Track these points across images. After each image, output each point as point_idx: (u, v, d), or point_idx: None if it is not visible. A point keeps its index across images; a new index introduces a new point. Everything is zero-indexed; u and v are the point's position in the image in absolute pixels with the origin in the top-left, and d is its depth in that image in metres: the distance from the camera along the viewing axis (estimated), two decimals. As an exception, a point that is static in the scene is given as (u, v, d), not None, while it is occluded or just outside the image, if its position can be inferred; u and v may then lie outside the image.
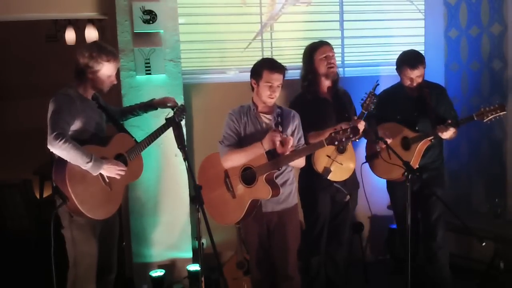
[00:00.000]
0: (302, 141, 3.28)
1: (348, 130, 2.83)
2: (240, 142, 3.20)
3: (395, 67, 3.68)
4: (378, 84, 3.30)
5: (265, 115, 3.21)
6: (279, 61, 4.41)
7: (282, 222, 3.24)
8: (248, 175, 3.13)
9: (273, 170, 3.08)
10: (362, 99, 3.29)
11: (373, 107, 3.28)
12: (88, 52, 2.95)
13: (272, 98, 3.14)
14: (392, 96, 3.67)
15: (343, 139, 2.85)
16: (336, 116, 3.51)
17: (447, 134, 3.42)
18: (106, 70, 2.97)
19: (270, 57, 4.35)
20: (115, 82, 3.09)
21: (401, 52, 3.68)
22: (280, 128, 3.16)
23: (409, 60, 3.54)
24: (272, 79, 3.09)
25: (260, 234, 3.27)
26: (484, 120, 3.36)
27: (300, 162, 3.20)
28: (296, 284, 3.31)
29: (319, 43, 3.61)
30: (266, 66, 3.13)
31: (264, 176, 3.07)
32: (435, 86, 3.71)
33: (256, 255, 3.32)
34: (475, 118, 3.38)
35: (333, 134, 2.88)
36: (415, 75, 3.52)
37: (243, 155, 3.12)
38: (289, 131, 3.20)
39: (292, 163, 3.17)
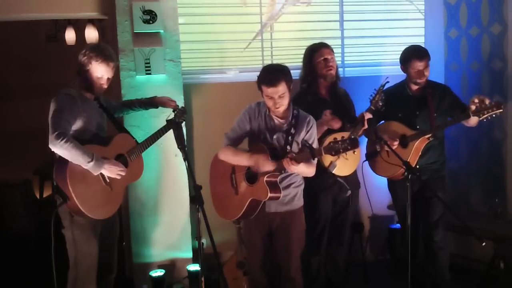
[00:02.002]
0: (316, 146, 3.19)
1: (347, 141, 2.81)
2: (251, 138, 3.21)
3: (395, 67, 3.68)
4: (388, 81, 3.32)
5: (278, 118, 3.18)
6: (279, 61, 4.45)
7: (285, 224, 3.21)
8: (252, 173, 3.13)
9: (275, 172, 3.06)
10: (371, 95, 3.31)
11: (381, 103, 3.29)
12: (84, 51, 2.98)
13: (278, 108, 3.09)
14: (394, 94, 3.67)
15: (341, 150, 2.83)
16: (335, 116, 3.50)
17: (472, 120, 3.40)
18: (94, 70, 2.96)
19: (269, 62, 4.34)
20: (105, 87, 3.05)
21: (401, 52, 3.68)
22: (293, 131, 3.13)
23: (416, 52, 3.56)
24: (270, 93, 3.04)
25: (261, 234, 3.25)
26: (480, 118, 3.35)
27: (308, 171, 3.13)
28: (297, 286, 3.28)
29: (318, 45, 3.61)
30: (262, 81, 3.06)
31: (265, 177, 3.05)
32: (438, 86, 3.71)
33: (257, 256, 3.30)
34: (472, 115, 3.35)
35: (331, 144, 2.87)
36: (423, 67, 3.53)
37: (234, 157, 3.15)
38: (302, 135, 3.15)
39: (299, 172, 3.12)
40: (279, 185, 3.11)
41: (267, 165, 3.02)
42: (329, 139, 3.20)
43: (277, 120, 3.17)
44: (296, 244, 3.25)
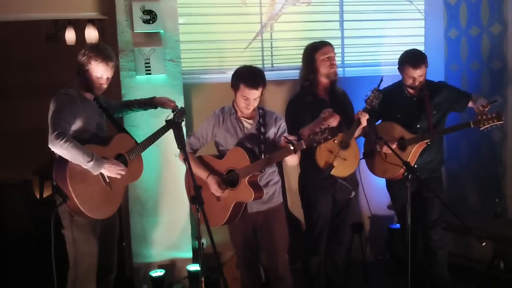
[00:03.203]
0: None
1: (326, 130, 2.82)
2: (219, 143, 3.25)
3: (395, 67, 3.68)
4: (382, 80, 3.31)
5: (246, 120, 3.22)
6: (279, 61, 4.46)
7: (267, 222, 3.24)
8: (232, 177, 3.13)
9: (256, 172, 3.07)
10: (366, 95, 3.31)
11: (377, 102, 3.28)
12: (83, 51, 2.98)
13: (248, 109, 3.14)
14: (392, 95, 3.67)
15: (321, 140, 2.84)
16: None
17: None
18: (94, 70, 2.96)
19: (269, 62, 4.36)
20: (105, 87, 3.05)
21: (401, 52, 3.68)
22: (263, 130, 3.17)
23: (412, 59, 3.54)
24: (248, 94, 3.08)
25: (245, 235, 3.27)
26: (481, 129, 3.38)
27: (292, 160, 3.15)
28: (288, 285, 3.30)
29: (321, 43, 3.60)
30: (243, 80, 3.08)
31: (247, 179, 3.06)
32: (434, 86, 3.71)
33: (243, 256, 3.32)
34: (472, 125, 3.40)
35: (311, 136, 2.87)
36: (417, 75, 3.52)
37: (194, 169, 3.13)
38: (271, 132, 3.21)
39: (287, 161, 3.16)
40: (260, 184, 3.13)
41: (216, 190, 3.13)
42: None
43: (245, 122, 3.21)
44: (281, 241, 3.27)
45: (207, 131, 3.25)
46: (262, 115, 3.22)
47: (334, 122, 3.25)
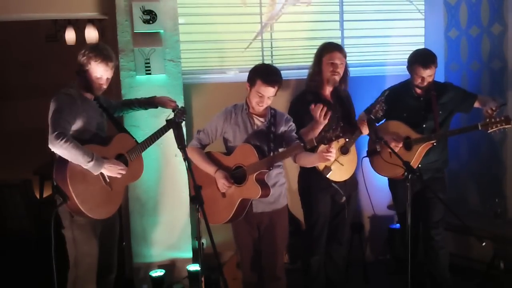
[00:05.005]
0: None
1: (338, 128, 2.82)
2: (227, 139, 3.24)
3: (395, 67, 3.68)
4: (387, 93, 3.32)
5: (257, 117, 3.21)
6: (279, 61, 4.46)
7: (272, 223, 3.24)
8: (238, 174, 3.13)
9: (264, 170, 3.07)
10: (371, 105, 3.30)
11: (381, 114, 3.28)
12: (83, 51, 2.98)
13: (261, 106, 3.14)
14: (399, 94, 3.67)
15: (333, 138, 2.83)
16: (336, 117, 3.50)
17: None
18: (93, 70, 2.95)
19: (268, 63, 4.35)
20: (104, 87, 3.04)
21: (401, 52, 3.68)
22: (273, 129, 3.18)
23: (422, 59, 3.53)
24: (263, 90, 3.08)
25: (252, 235, 3.27)
26: (488, 131, 3.38)
27: (309, 160, 3.11)
28: (282, 284, 3.31)
29: (331, 47, 3.57)
30: (261, 76, 3.08)
31: (255, 175, 3.06)
32: (441, 86, 3.71)
33: (247, 256, 3.31)
34: (480, 128, 3.40)
35: (323, 133, 2.88)
36: (426, 75, 3.52)
37: (199, 163, 3.20)
38: (281, 130, 3.22)
39: (302, 162, 3.16)
40: (267, 183, 3.13)
41: (223, 184, 3.12)
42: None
43: (256, 119, 3.21)
44: (281, 243, 3.29)
45: (217, 127, 3.24)
46: (273, 115, 3.23)
47: (325, 116, 3.16)
